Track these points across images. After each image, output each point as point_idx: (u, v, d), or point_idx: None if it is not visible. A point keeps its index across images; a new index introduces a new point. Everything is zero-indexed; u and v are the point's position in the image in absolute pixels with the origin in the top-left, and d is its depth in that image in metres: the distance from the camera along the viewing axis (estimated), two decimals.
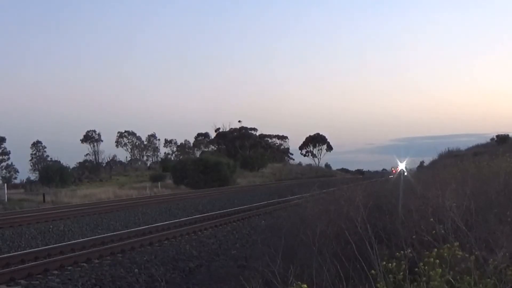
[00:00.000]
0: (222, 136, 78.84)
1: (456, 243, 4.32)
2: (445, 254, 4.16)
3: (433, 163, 28.50)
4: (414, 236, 5.22)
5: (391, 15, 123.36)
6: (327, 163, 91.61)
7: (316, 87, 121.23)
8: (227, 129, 79.12)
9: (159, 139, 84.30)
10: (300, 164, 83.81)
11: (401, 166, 33.08)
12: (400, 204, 7.27)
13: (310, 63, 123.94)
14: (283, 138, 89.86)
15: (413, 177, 14.53)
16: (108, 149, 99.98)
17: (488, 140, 46.58)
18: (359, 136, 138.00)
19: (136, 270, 9.53)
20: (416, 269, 4.13)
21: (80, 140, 70.53)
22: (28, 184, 44.60)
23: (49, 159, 66.25)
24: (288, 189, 26.54)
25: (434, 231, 5.04)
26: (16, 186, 43.99)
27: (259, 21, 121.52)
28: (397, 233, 5.75)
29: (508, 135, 42.36)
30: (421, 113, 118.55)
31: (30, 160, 68.37)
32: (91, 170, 60.19)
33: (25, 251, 11.26)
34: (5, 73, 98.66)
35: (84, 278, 8.93)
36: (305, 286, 3.90)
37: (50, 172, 43.07)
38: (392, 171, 44.86)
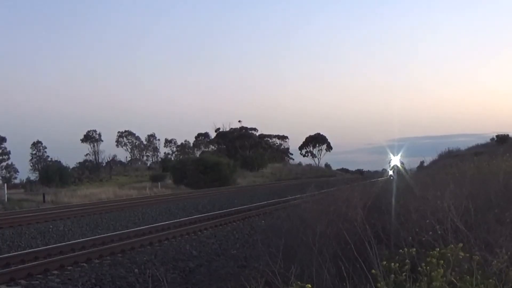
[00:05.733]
0: (222, 136, 78.93)
1: (460, 244, 4.32)
2: (448, 254, 4.16)
3: (433, 163, 28.49)
4: (414, 236, 5.22)
5: (391, 15, 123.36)
6: (327, 163, 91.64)
7: (316, 87, 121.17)
8: (227, 129, 79.35)
9: (159, 139, 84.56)
10: (300, 164, 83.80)
11: (395, 161, 28.90)
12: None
13: (310, 63, 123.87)
14: (283, 138, 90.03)
15: (411, 177, 14.40)
16: (108, 149, 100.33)
17: (488, 140, 46.57)
18: (359, 136, 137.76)
19: (136, 270, 9.54)
20: (419, 268, 4.12)
21: (80, 140, 70.83)
22: (28, 184, 44.56)
23: (49, 159, 66.28)
24: (288, 189, 26.55)
25: (432, 232, 5.05)
26: (16, 186, 44.03)
27: (260, 22, 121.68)
28: (396, 233, 5.76)
29: (508, 135, 42.31)
30: (421, 113, 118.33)
31: (30, 160, 68.49)
32: (91, 170, 60.21)
33: (25, 251, 11.24)
34: (5, 73, 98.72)
35: (84, 278, 8.92)
36: (309, 286, 3.87)
37: (50, 172, 43.10)
38: None
